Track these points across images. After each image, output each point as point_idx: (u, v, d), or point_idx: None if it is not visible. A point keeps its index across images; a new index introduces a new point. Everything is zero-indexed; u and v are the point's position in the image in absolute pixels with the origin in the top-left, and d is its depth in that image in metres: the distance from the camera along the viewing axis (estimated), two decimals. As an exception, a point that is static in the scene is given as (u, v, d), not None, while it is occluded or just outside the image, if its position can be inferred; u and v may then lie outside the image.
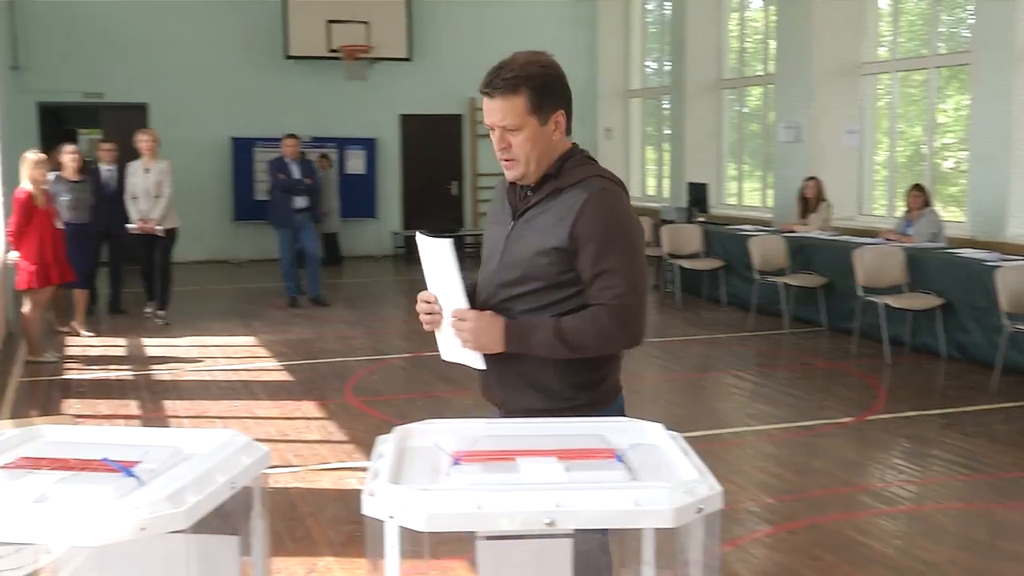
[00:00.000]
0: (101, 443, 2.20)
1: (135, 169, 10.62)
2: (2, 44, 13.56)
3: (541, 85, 2.68)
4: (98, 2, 15.79)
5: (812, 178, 11.75)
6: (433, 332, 2.86)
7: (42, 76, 15.42)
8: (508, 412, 2.80)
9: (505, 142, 2.70)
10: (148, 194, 10.51)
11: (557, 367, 2.73)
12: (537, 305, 2.72)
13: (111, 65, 15.76)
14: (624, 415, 2.75)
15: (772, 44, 14.48)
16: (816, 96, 12.98)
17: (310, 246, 11.88)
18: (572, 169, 2.75)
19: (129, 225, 10.62)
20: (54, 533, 1.80)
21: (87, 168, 10.66)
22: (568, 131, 2.77)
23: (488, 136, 2.75)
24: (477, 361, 2.75)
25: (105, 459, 2.01)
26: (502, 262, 2.78)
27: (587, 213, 2.65)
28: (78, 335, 9.99)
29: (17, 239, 8.70)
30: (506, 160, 2.74)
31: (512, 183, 2.82)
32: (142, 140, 10.68)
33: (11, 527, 1.81)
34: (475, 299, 2.78)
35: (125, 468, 1.97)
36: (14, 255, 8.79)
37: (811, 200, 11.60)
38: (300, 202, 11.77)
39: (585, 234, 2.65)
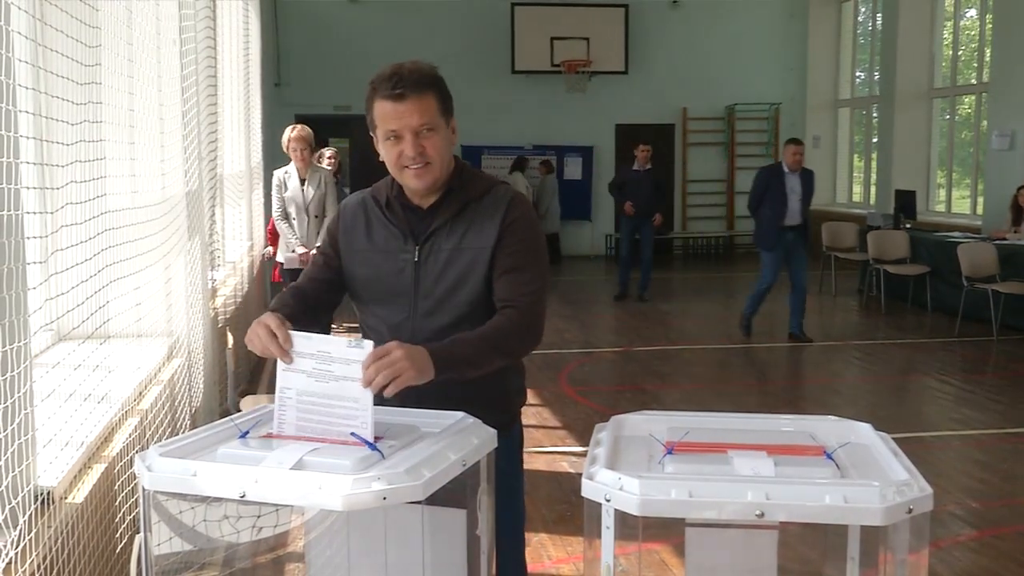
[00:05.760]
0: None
1: (290, 181, 7.59)
2: (269, 65, 14.38)
3: (442, 88, 2.38)
4: (349, 25, 16.59)
5: (1026, 186, 11.00)
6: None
7: (299, 92, 16.36)
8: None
9: (420, 146, 2.33)
10: (305, 213, 7.68)
11: (502, 375, 2.47)
12: (472, 318, 2.41)
13: (358, 80, 16.35)
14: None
15: (987, 52, 13.68)
16: (1032, 104, 12.14)
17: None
18: (472, 180, 2.49)
19: (287, 254, 7.73)
20: (307, 497, 1.88)
21: (340, 170, 11.12)
22: None
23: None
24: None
25: (353, 433, 2.09)
26: (421, 291, 2.44)
27: (513, 213, 2.43)
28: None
29: (275, 236, 9.17)
30: (419, 167, 2.36)
31: (383, 206, 2.51)
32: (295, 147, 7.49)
33: (271, 490, 1.90)
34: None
35: (370, 443, 2.04)
36: (269, 251, 9.28)
37: (1024, 208, 10.88)
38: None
39: (512, 230, 2.41)
